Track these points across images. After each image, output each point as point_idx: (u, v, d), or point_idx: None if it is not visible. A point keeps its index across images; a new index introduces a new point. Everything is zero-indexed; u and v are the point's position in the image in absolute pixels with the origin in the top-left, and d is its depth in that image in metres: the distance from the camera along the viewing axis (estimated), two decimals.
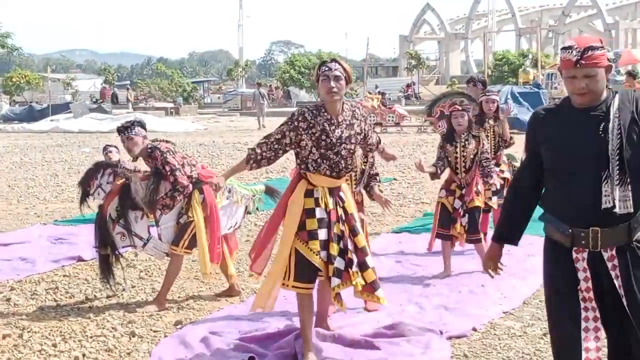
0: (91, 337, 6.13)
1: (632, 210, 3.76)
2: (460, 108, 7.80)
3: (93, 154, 21.07)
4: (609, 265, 3.81)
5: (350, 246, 5.50)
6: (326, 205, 5.50)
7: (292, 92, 56.48)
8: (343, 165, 5.53)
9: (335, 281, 5.40)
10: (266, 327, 6.18)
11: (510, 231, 4.20)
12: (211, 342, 5.81)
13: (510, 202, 4.20)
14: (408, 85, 55.32)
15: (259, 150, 5.55)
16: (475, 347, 5.77)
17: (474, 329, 6.14)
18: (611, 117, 3.76)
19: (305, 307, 5.58)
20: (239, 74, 67.68)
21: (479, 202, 7.92)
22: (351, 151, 5.55)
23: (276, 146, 5.52)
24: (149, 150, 6.87)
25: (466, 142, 7.86)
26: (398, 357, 5.52)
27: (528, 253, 8.64)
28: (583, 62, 3.75)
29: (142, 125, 7.02)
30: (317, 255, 5.41)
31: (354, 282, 5.46)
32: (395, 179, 15.11)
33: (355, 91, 52.66)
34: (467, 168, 7.89)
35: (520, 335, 5.99)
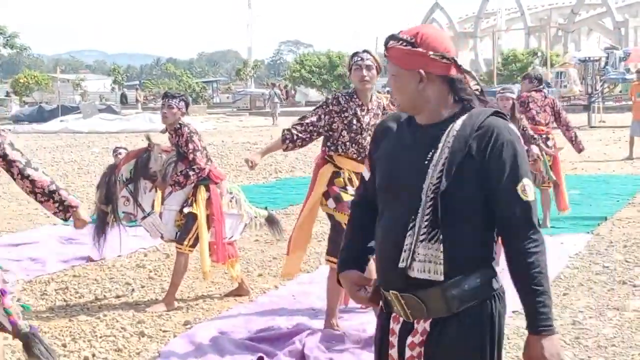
0: (101, 337, 6.15)
1: (441, 277, 2.72)
2: (503, 92, 8.10)
3: (102, 155, 21.13)
4: (409, 340, 2.85)
5: None
6: (353, 185, 5.83)
7: (301, 91, 56.44)
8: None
9: None
10: (276, 326, 6.19)
11: (361, 252, 3.08)
12: (220, 342, 5.82)
13: (358, 216, 3.13)
14: None
15: (294, 131, 5.88)
16: None
17: None
18: (441, 143, 2.75)
19: (333, 288, 5.83)
20: (248, 74, 67.74)
21: None
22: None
23: (311, 128, 5.86)
24: (178, 126, 6.96)
25: None
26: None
27: None
28: (386, 53, 2.86)
29: (186, 101, 7.14)
30: None
31: None
32: None
33: None
34: None
35: None
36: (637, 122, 17.84)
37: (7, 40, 57.39)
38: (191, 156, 6.85)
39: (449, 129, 2.77)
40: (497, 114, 2.80)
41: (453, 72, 2.81)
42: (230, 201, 7.26)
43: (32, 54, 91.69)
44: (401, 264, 2.73)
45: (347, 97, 5.86)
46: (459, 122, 2.77)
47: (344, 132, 5.81)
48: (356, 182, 5.78)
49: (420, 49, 2.77)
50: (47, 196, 4.78)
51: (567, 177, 14.80)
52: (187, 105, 7.14)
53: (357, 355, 5.53)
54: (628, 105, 23.26)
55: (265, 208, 7.89)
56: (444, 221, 2.71)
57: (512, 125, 2.80)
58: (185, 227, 6.97)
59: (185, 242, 6.96)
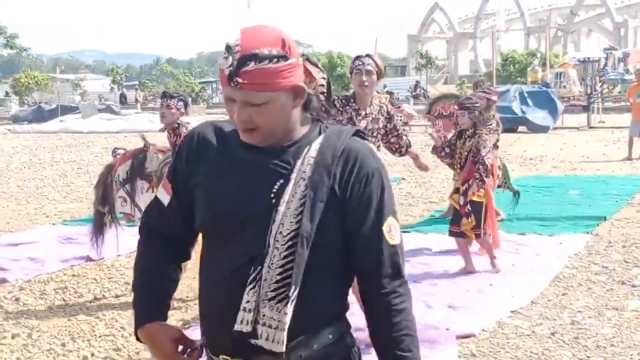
0: (100, 337, 6.15)
1: (282, 348, 2.14)
2: (459, 107, 7.93)
3: (102, 154, 21.13)
4: None
5: None
6: None
7: None
8: None
9: None
10: None
11: (157, 305, 2.40)
12: None
13: (153, 252, 2.44)
14: (415, 86, 55.30)
15: None
16: (483, 347, 5.77)
17: (483, 330, 6.13)
18: (294, 174, 2.18)
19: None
20: None
21: (478, 197, 7.83)
22: (374, 144, 5.75)
23: None
24: (177, 125, 7.00)
25: (466, 140, 7.87)
26: None
27: (536, 252, 8.65)
28: (239, 80, 2.11)
29: (185, 101, 7.17)
30: None
31: None
32: (403, 179, 15.10)
33: None
34: (462, 165, 7.87)
35: (528, 335, 5.98)
36: (636, 123, 17.85)
37: (7, 40, 57.43)
38: None
39: (303, 154, 2.20)
40: (357, 133, 2.29)
41: None
42: None
43: (32, 54, 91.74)
44: (238, 327, 2.14)
45: (343, 101, 5.80)
46: (314, 147, 2.21)
47: None
48: None
49: (293, 60, 2.16)
50: None
51: (567, 177, 14.85)
52: (185, 105, 7.16)
53: None
54: (627, 106, 23.27)
55: None
56: (305, 275, 2.14)
57: (374, 148, 2.29)
58: None
59: None
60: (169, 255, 2.43)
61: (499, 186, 9.40)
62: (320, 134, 2.25)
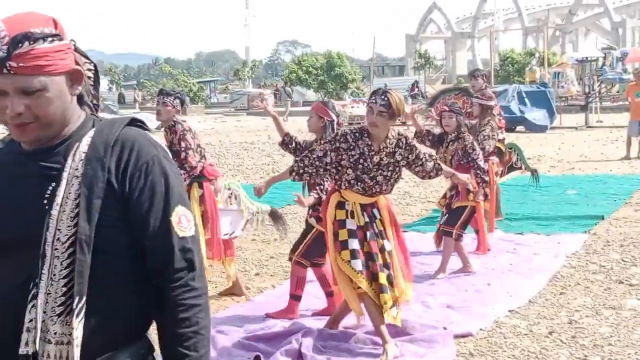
0: None
1: None
2: (448, 109, 7.82)
3: None
4: None
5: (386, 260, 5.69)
6: (358, 218, 5.67)
7: (298, 91, 56.45)
8: (377, 190, 5.71)
9: (386, 297, 5.53)
10: (272, 326, 6.19)
11: None
12: (217, 341, 5.81)
13: None
14: (413, 85, 55.35)
15: (301, 164, 5.71)
16: (481, 346, 5.77)
17: (481, 329, 6.13)
18: (65, 172, 2.00)
19: (368, 306, 5.62)
20: (245, 74, 67.79)
21: (467, 202, 7.79)
22: (387, 177, 5.71)
23: (317, 163, 5.65)
24: (172, 123, 7.01)
25: (449, 144, 7.82)
26: (403, 355, 5.52)
27: (534, 252, 8.67)
28: (13, 64, 1.93)
29: (181, 99, 7.16)
30: (347, 263, 5.56)
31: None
32: (401, 178, 15.08)
33: (362, 90, 52.71)
34: None
35: (525, 334, 5.99)
36: (635, 122, 17.87)
37: None
38: (183, 154, 6.88)
39: (73, 149, 2.02)
40: (135, 122, 2.15)
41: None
42: (230, 197, 7.27)
43: None
44: (23, 349, 1.95)
45: (356, 135, 5.60)
46: (85, 140, 2.03)
47: (350, 170, 5.59)
48: (357, 215, 5.66)
49: (67, 41, 2.03)
50: None
51: (565, 177, 14.86)
52: (182, 103, 7.15)
53: (354, 354, 5.54)
54: (625, 106, 23.32)
55: None
56: (94, 284, 1.97)
57: (154, 138, 2.15)
58: None
59: None
60: None
61: (514, 167, 9.37)
62: (93, 127, 2.08)
